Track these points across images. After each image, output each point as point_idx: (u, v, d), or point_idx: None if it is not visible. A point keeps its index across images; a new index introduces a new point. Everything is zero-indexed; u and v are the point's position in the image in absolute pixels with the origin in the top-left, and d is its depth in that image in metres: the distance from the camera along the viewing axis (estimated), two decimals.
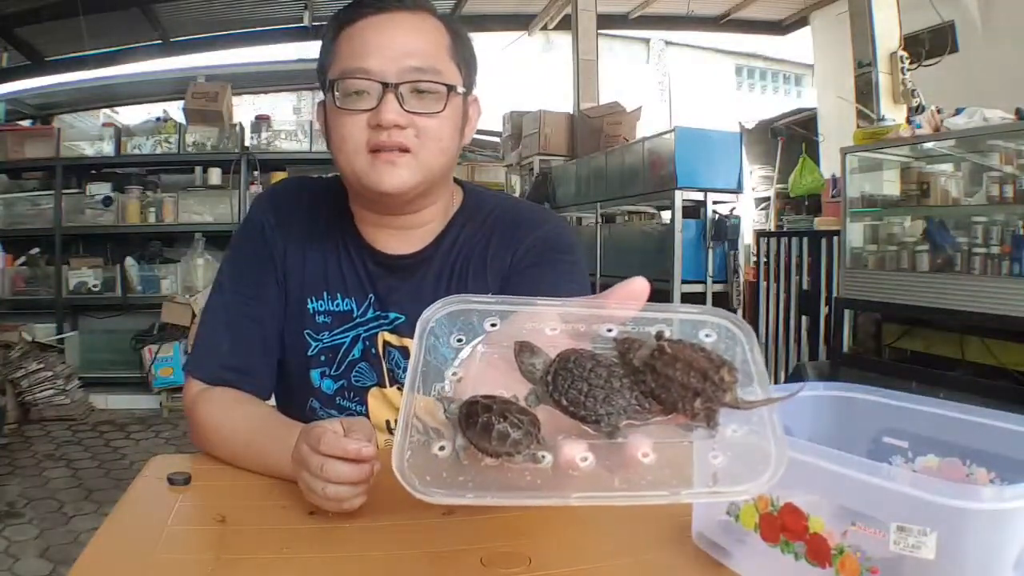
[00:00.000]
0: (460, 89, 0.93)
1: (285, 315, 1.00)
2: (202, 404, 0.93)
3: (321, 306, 0.99)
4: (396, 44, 0.89)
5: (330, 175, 1.05)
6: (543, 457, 0.48)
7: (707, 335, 0.53)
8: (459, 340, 0.56)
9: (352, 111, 0.89)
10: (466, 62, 0.96)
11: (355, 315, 0.99)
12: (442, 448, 0.50)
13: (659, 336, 0.51)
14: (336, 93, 0.90)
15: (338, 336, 0.99)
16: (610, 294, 0.55)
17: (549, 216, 1.08)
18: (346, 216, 1.01)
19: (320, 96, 0.97)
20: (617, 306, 0.55)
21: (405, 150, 0.89)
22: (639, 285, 0.55)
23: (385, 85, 0.88)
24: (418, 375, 0.53)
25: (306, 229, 1.01)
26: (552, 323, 0.55)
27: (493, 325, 0.55)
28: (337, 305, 0.99)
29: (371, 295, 0.99)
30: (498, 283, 0.99)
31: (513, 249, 0.99)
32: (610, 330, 0.54)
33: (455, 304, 0.56)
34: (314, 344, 0.99)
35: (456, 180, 1.05)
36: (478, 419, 0.49)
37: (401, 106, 0.88)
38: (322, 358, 0.99)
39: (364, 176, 0.90)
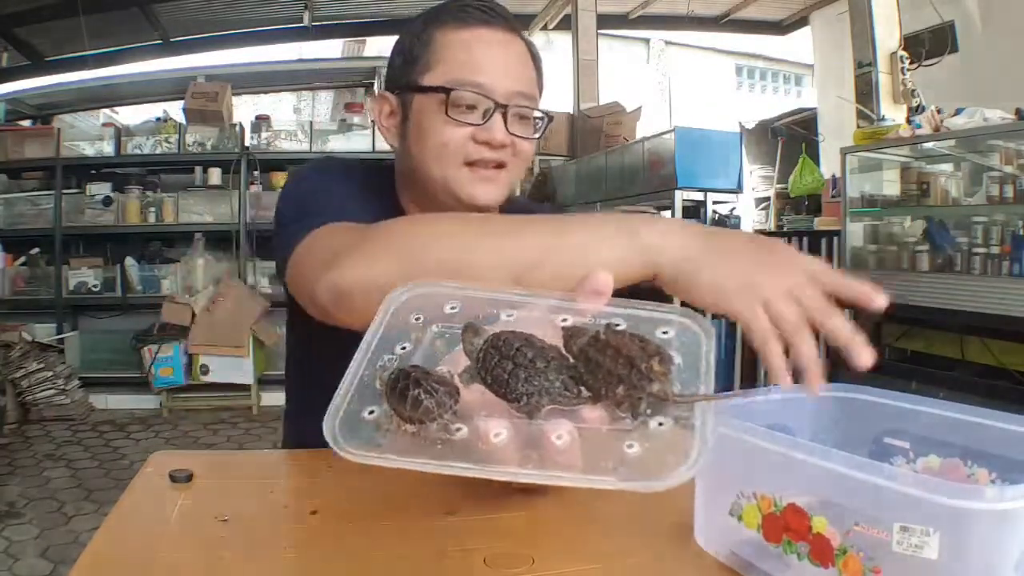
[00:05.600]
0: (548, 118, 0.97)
1: None
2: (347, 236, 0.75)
3: None
4: (508, 66, 0.92)
5: (364, 162, 1.05)
6: (458, 429, 0.49)
7: (663, 332, 0.53)
8: (417, 319, 0.58)
9: (460, 122, 0.90)
10: (542, 92, 1.00)
11: None
12: (371, 412, 0.51)
13: (608, 327, 0.52)
14: (447, 100, 0.90)
15: None
16: (575, 288, 0.56)
17: None
18: (397, 211, 1.00)
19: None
20: (584, 301, 0.56)
21: (501, 166, 0.93)
22: (602, 278, 0.56)
23: (497, 104, 0.90)
24: (371, 348, 0.55)
25: (361, 216, 0.98)
26: (508, 310, 0.57)
27: (452, 308, 0.58)
28: None
29: None
30: None
31: None
32: (565, 320, 0.55)
33: (423, 287, 0.59)
34: None
35: None
36: (398, 385, 0.50)
37: (506, 127, 0.91)
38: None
39: (459, 188, 0.92)
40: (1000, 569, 0.45)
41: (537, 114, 0.95)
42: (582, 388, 0.50)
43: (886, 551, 0.47)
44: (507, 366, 0.50)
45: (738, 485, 0.58)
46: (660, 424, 0.47)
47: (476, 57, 0.91)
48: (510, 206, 1.09)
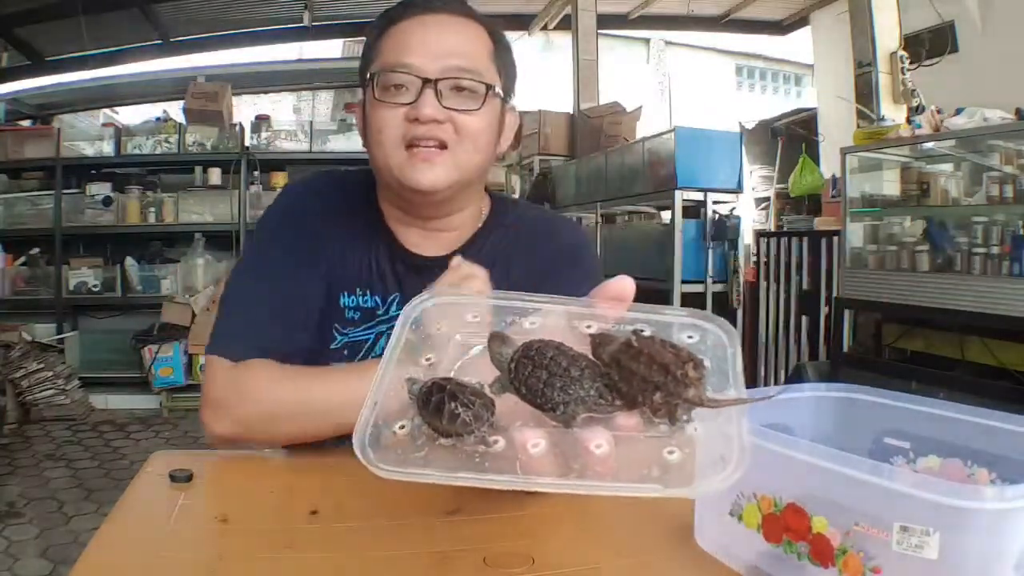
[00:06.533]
0: (499, 91, 0.94)
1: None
2: (246, 376, 0.88)
3: (352, 301, 1.00)
4: (440, 42, 0.91)
5: (353, 169, 1.07)
6: (495, 441, 0.49)
7: (689, 336, 0.53)
8: (438, 329, 0.57)
9: (390, 104, 0.90)
10: (507, 71, 0.98)
11: (379, 313, 1.00)
12: (402, 427, 0.50)
13: (635, 333, 0.51)
14: (376, 86, 0.92)
15: (361, 332, 1.00)
16: (596, 294, 0.56)
17: (566, 226, 1.12)
18: (378, 213, 1.02)
19: (359, 95, 0.98)
20: (605, 306, 0.55)
21: (443, 146, 0.91)
22: (624, 284, 0.55)
23: (425, 80, 0.89)
24: (393, 359, 0.54)
25: (344, 223, 1.01)
26: (533, 318, 0.56)
27: (474, 317, 0.57)
28: (365, 301, 1.00)
29: (396, 294, 1.00)
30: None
31: (534, 260, 1.01)
32: (589, 327, 0.54)
33: (442, 296, 0.58)
34: (339, 338, 1.00)
35: (485, 189, 1.07)
36: (432, 399, 0.49)
37: (439, 102, 0.89)
38: (344, 352, 1.00)
39: (400, 171, 0.91)
40: (1000, 569, 0.45)
41: (470, 85, 0.91)
42: (614, 394, 0.49)
43: (886, 551, 0.47)
44: (542, 375, 0.49)
45: (738, 485, 0.58)
46: (696, 429, 0.47)
47: (407, 40, 0.91)
48: (509, 208, 1.08)
